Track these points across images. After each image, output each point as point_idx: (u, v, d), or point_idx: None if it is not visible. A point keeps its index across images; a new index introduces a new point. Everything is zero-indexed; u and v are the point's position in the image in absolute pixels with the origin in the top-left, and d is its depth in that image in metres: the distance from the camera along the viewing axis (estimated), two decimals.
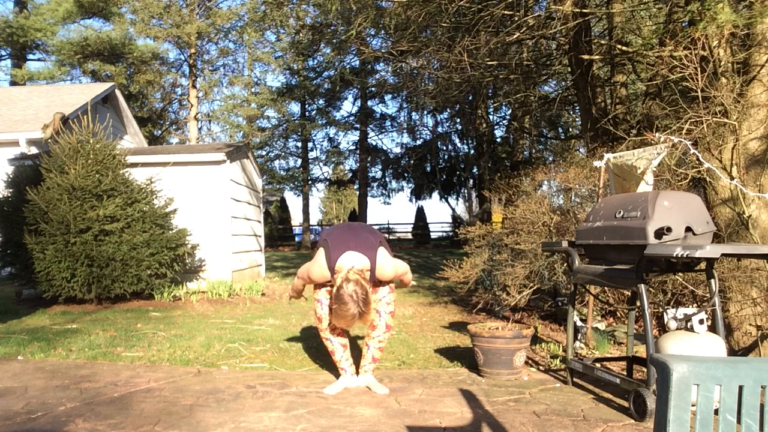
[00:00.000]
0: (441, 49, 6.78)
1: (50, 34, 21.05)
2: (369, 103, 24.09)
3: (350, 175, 26.40)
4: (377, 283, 3.40)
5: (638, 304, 3.29)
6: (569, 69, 7.73)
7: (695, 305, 4.43)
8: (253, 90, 24.08)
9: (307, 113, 23.93)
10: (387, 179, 25.28)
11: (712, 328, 3.11)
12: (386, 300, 3.41)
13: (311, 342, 4.88)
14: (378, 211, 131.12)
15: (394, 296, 3.46)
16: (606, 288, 5.06)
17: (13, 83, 21.46)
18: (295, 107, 24.63)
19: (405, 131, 24.27)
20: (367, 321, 3.22)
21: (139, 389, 3.46)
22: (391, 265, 3.34)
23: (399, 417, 2.95)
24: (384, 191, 25.49)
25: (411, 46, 7.00)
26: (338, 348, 3.48)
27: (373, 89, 21.82)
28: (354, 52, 18.10)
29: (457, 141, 23.82)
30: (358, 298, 3.05)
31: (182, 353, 4.43)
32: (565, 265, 5.13)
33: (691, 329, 3.01)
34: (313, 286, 3.49)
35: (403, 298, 7.72)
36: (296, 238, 27.85)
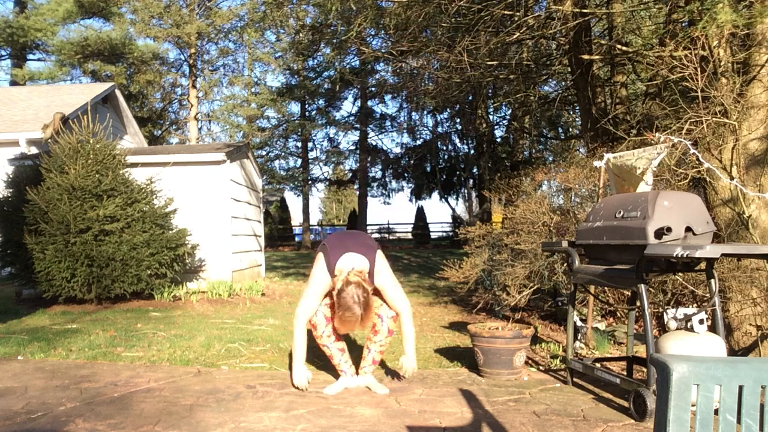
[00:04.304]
0: (441, 49, 6.77)
1: (50, 34, 21.04)
2: (369, 103, 24.09)
3: (350, 175, 26.41)
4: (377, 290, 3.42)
5: (638, 304, 3.29)
6: (569, 69, 7.73)
7: (695, 305, 4.43)
8: (253, 90, 24.06)
9: (307, 113, 23.93)
10: (387, 179, 25.29)
11: (712, 328, 3.11)
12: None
13: (311, 342, 4.87)
14: (378, 211, 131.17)
15: None
16: (606, 288, 5.06)
17: (13, 83, 21.46)
18: (295, 107, 24.65)
19: (405, 131, 24.29)
20: (366, 325, 3.24)
21: (139, 389, 3.46)
22: (388, 272, 3.40)
23: (399, 417, 2.95)
24: (384, 191, 25.52)
25: (411, 46, 7.00)
26: (336, 353, 3.48)
27: (373, 89, 21.82)
28: (354, 52, 18.12)
29: (457, 141, 23.86)
30: (360, 300, 3.11)
31: (182, 353, 4.43)
32: (565, 265, 5.13)
33: (691, 329, 3.01)
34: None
35: None
36: (296, 238, 27.87)
